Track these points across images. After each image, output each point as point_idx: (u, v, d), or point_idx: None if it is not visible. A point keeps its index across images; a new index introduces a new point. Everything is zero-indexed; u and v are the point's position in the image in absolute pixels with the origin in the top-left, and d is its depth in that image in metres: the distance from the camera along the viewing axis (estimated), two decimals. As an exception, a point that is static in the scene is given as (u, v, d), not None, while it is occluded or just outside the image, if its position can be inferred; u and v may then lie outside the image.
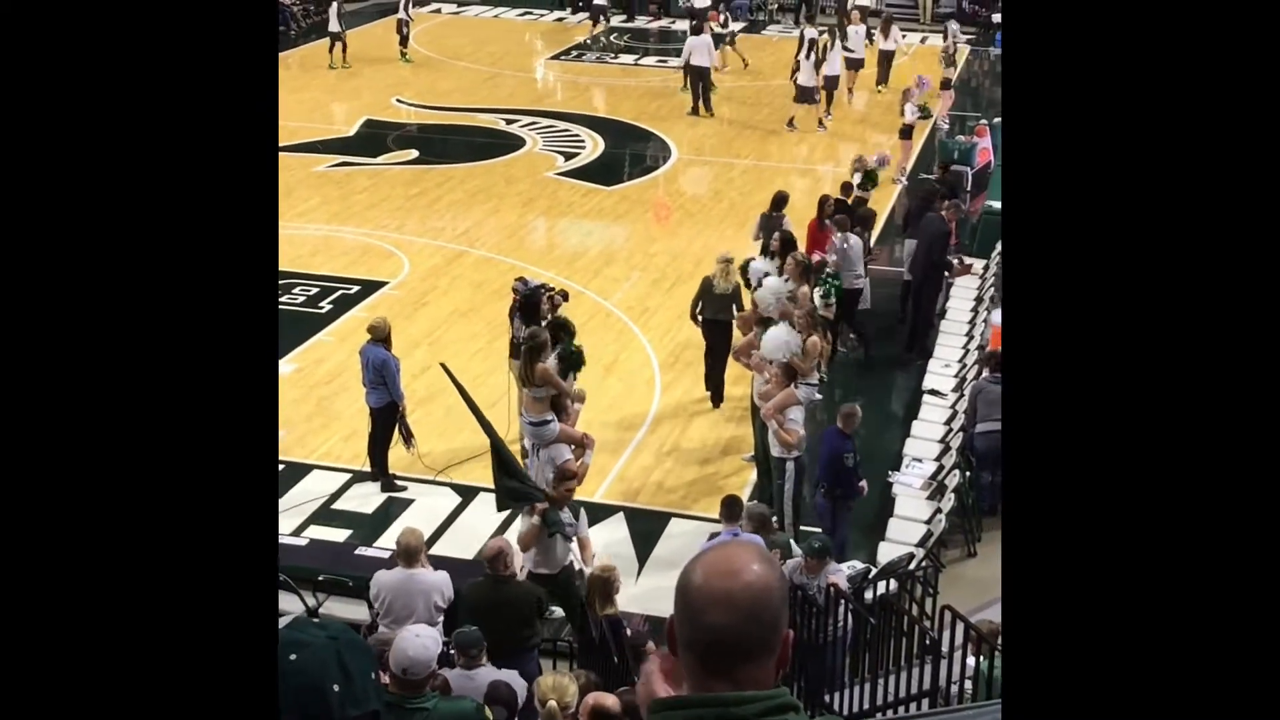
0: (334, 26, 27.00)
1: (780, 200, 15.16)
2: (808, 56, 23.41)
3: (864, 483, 10.66)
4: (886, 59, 26.03)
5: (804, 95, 23.42)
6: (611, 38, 30.16)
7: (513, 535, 10.14)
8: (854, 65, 24.98)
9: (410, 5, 27.99)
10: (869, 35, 25.59)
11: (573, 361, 10.42)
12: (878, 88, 25.73)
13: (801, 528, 10.62)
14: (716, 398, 13.39)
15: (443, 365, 10.53)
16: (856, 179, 16.58)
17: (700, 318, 13.06)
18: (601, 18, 29.57)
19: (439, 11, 34.04)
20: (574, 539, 9.34)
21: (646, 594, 9.98)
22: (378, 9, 32.44)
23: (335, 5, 27.30)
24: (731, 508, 9.50)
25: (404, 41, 27.77)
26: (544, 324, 11.00)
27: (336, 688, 2.78)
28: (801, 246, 13.66)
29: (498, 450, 9.36)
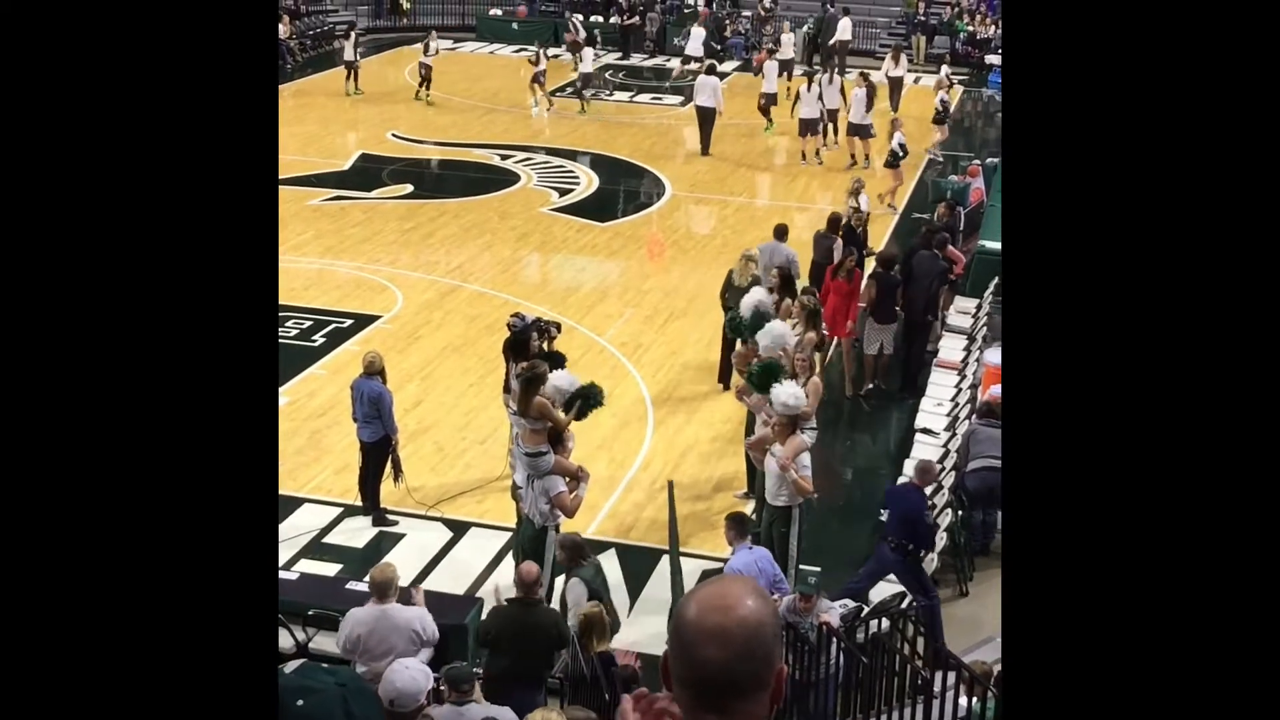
0: (349, 56, 28.20)
1: (834, 221, 16.02)
2: (809, 89, 23.96)
3: (940, 532, 10.60)
4: (897, 85, 27.34)
5: (806, 128, 24.03)
6: (606, 75, 30.36)
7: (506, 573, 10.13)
8: (860, 132, 23.85)
9: (429, 49, 27.86)
10: (869, 96, 23.93)
11: (591, 402, 10.32)
12: (891, 111, 26.03)
13: (801, 567, 10.54)
14: (725, 381, 14.25)
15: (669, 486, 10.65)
16: (860, 201, 16.93)
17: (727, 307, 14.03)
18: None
19: (435, 47, 34.24)
20: None
21: (638, 630, 9.94)
22: (375, 44, 32.62)
23: (353, 35, 28.74)
24: (741, 525, 9.61)
25: (426, 84, 27.72)
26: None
27: (342, 732, 2.78)
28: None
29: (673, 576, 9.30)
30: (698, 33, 30.76)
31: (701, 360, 15.26)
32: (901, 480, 11.46)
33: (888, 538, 10.31)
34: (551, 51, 33.35)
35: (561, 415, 9.98)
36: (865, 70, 25.86)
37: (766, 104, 25.85)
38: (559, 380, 10.09)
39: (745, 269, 14.19)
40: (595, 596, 8.90)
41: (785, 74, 25.39)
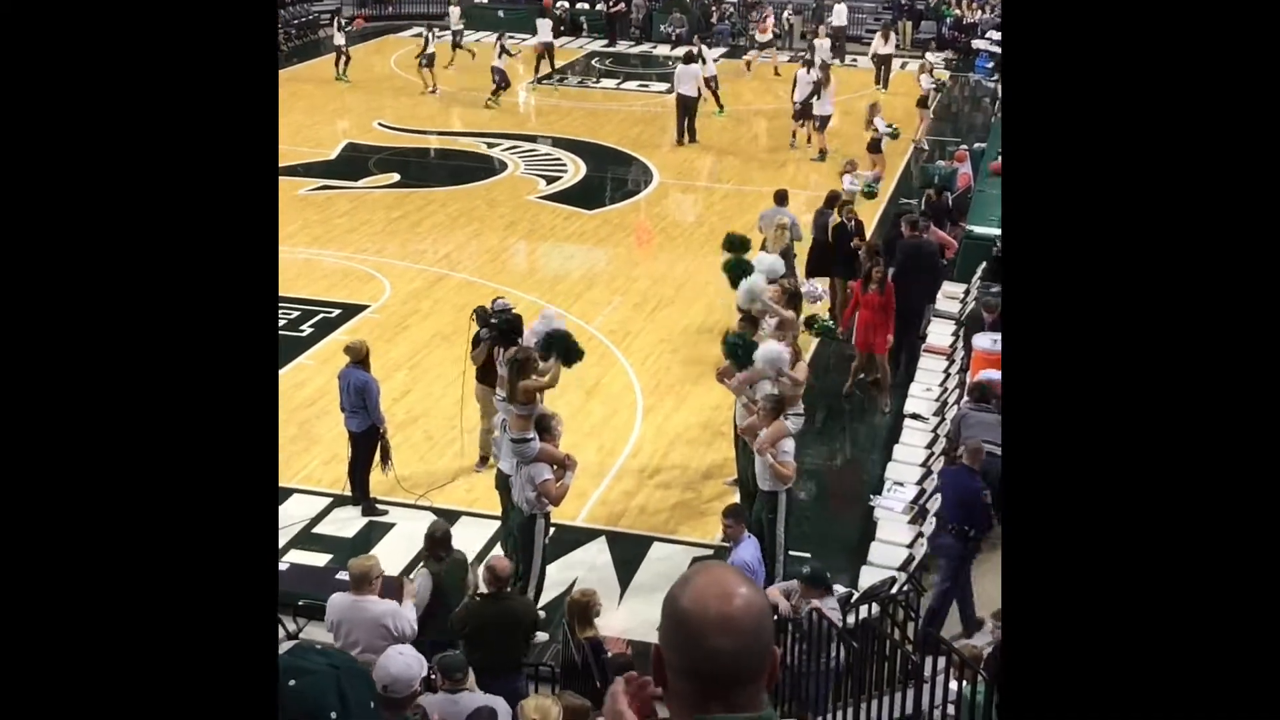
0: (339, 41, 28.68)
1: (832, 199, 16.22)
2: (808, 72, 23.90)
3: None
4: (885, 63, 28.28)
5: (802, 112, 24.08)
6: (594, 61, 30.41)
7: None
8: (813, 119, 23.59)
9: (502, 52, 26.84)
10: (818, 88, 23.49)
11: (569, 354, 10.36)
12: (877, 88, 27.20)
13: (792, 553, 10.54)
14: None
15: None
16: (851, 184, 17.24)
17: None
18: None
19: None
20: None
21: (628, 618, 9.96)
22: (360, 33, 32.51)
23: (337, 21, 29.56)
24: (739, 515, 9.70)
25: (498, 90, 26.84)
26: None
27: (334, 715, 2.77)
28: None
29: None
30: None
31: (690, 347, 15.26)
32: (947, 466, 11.32)
33: (948, 525, 10.15)
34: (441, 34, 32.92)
35: (546, 379, 9.96)
36: (826, 62, 25.84)
37: (714, 87, 25.97)
38: (534, 327, 10.34)
39: (780, 237, 14.49)
40: (440, 594, 8.85)
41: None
